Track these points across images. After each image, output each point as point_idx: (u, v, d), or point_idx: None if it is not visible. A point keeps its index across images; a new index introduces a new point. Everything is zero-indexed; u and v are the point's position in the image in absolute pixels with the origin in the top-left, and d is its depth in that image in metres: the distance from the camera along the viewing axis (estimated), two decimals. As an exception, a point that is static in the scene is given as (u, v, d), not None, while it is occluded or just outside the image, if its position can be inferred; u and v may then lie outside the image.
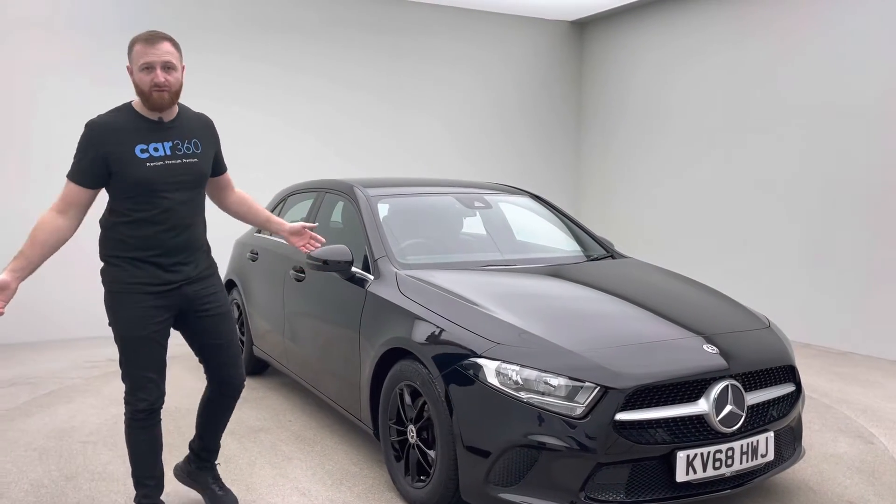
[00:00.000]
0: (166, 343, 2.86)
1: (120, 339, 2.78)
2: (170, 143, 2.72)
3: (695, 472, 2.81)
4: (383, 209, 4.21)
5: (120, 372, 2.84)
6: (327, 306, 4.11)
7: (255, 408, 4.63)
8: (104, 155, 2.63)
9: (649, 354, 2.95)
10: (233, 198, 3.16)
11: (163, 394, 2.86)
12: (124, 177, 2.66)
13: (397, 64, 8.11)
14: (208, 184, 2.99)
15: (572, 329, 3.10)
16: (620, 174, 8.72)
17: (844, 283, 6.35)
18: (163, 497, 2.97)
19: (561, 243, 4.55)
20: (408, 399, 3.25)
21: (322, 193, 4.69)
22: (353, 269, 3.81)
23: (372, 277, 3.72)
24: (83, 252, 6.61)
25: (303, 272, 4.32)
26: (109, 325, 2.80)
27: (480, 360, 2.90)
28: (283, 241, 4.79)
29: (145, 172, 2.66)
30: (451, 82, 8.44)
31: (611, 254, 4.43)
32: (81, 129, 2.68)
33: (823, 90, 6.48)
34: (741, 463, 2.91)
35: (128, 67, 2.70)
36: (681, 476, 2.78)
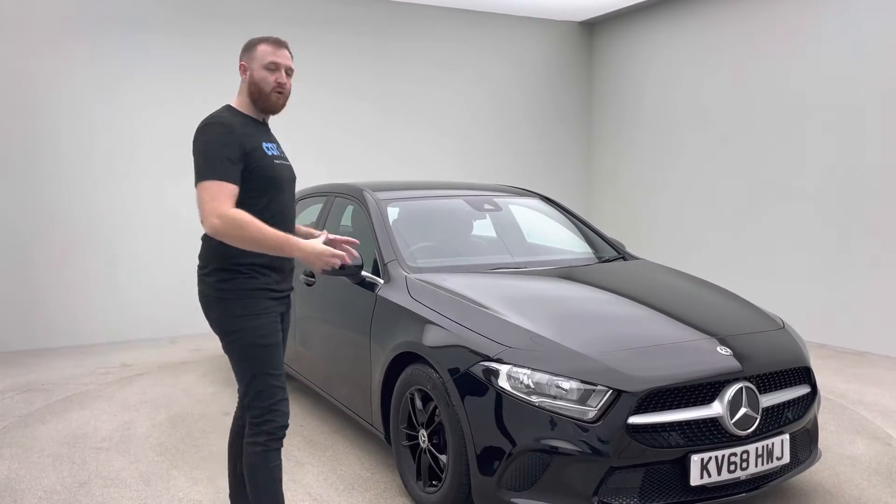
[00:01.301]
0: None
1: (250, 349, 2.56)
2: (275, 144, 2.71)
3: (709, 475, 2.77)
4: (393, 213, 4.20)
5: (241, 388, 2.61)
6: (337, 311, 4.11)
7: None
8: (244, 152, 2.51)
9: (662, 357, 2.92)
10: None
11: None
12: (259, 173, 2.56)
13: (405, 67, 8.11)
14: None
15: (584, 332, 3.08)
16: (632, 175, 8.68)
17: (861, 283, 6.28)
18: None
19: (572, 245, 4.52)
20: (419, 403, 3.23)
21: (332, 197, 4.69)
22: (363, 273, 3.80)
23: (382, 281, 3.71)
24: (98, 258, 6.70)
25: (313, 277, 4.32)
26: (232, 340, 2.57)
27: (491, 364, 2.88)
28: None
29: (275, 169, 2.62)
30: (459, 85, 8.43)
31: (622, 255, 4.40)
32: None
33: (836, 89, 6.42)
34: (756, 466, 2.87)
35: (242, 65, 2.65)
36: (695, 480, 2.75)
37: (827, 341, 6.50)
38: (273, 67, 2.62)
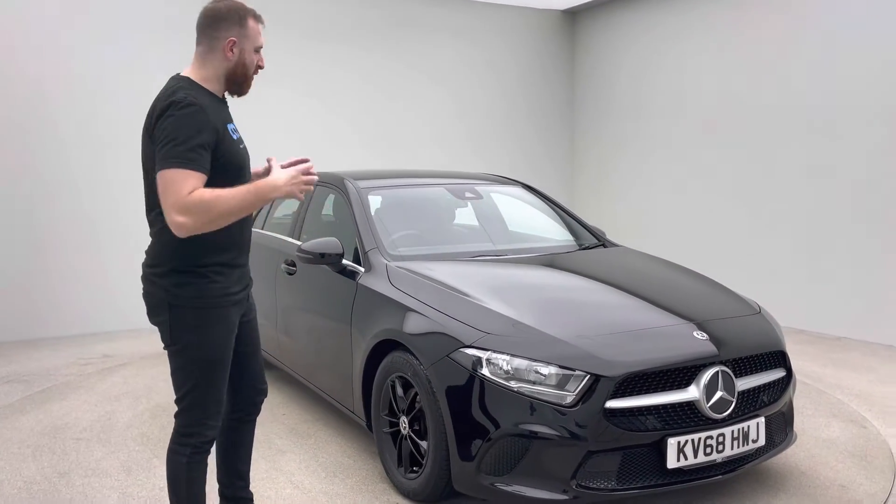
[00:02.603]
0: None
1: (202, 363, 2.35)
2: (235, 126, 2.43)
3: (686, 458, 2.81)
4: (374, 201, 4.21)
5: (176, 393, 2.42)
6: (319, 299, 4.11)
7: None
8: (216, 139, 2.26)
9: (639, 342, 2.95)
10: None
11: None
12: (226, 160, 2.31)
13: (385, 56, 8.06)
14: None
15: (563, 318, 3.10)
16: (614, 163, 8.71)
17: (839, 269, 6.35)
18: None
19: (553, 233, 4.55)
20: (400, 390, 3.25)
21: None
22: (344, 261, 3.81)
23: (363, 270, 3.71)
24: (76, 250, 6.64)
25: (294, 266, 4.31)
26: (179, 349, 2.35)
27: (471, 351, 2.90)
28: (274, 234, 4.80)
29: (240, 154, 2.40)
30: (440, 74, 8.40)
31: (602, 243, 4.43)
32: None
33: (817, 77, 6.47)
34: (732, 448, 2.92)
35: (231, 40, 2.33)
36: (672, 463, 2.79)
37: (805, 327, 6.58)
38: (260, 49, 2.42)
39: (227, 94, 2.45)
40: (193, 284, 2.31)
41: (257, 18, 2.41)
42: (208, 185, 2.22)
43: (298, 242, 4.29)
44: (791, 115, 6.69)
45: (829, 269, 6.43)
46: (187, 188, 2.14)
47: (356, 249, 3.86)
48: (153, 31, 6.78)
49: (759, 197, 7.01)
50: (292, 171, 2.33)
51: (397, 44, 8.12)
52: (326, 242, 3.75)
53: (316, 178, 2.39)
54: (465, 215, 4.59)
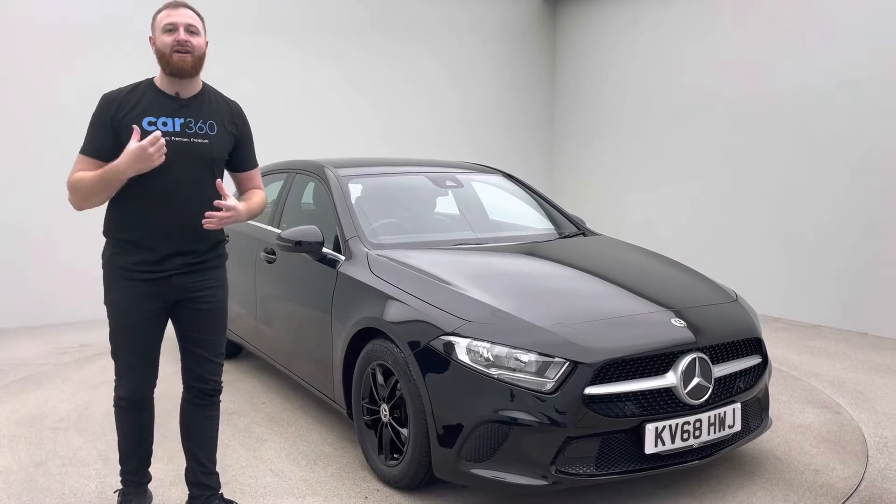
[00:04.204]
0: (159, 332, 2.74)
1: (112, 325, 2.71)
2: (181, 120, 2.60)
3: (663, 443, 2.85)
4: (354, 189, 4.19)
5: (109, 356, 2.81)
6: (299, 288, 4.09)
7: (228, 391, 4.58)
8: (115, 125, 2.55)
9: (618, 329, 2.98)
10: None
11: (148, 383, 2.78)
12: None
13: (364, 43, 8.01)
14: (235, 180, 2.89)
15: (543, 306, 3.12)
16: (594, 153, 8.74)
17: (815, 258, 6.44)
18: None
19: (533, 221, 4.56)
20: (380, 378, 3.25)
21: (293, 174, 4.66)
22: (324, 249, 3.79)
23: (343, 258, 3.70)
24: (50, 239, 6.55)
25: (273, 254, 4.29)
26: (104, 303, 2.72)
27: (451, 338, 2.91)
28: (253, 223, 4.77)
29: None
30: (420, 63, 8.37)
31: (582, 231, 4.45)
32: None
33: (794, 69, 6.53)
34: (709, 434, 2.96)
35: (150, 38, 2.64)
36: (650, 448, 2.83)
37: (781, 315, 6.67)
38: (171, 28, 2.57)
39: (180, 84, 2.62)
40: (107, 252, 2.69)
41: (171, 5, 2.63)
42: None
43: (278, 230, 4.27)
44: (767, 106, 6.75)
45: (804, 258, 6.51)
46: (74, 170, 2.57)
47: (336, 237, 3.84)
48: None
49: (736, 186, 7.08)
50: (136, 148, 2.45)
51: (375, 31, 8.07)
52: (306, 231, 3.73)
53: (162, 141, 2.47)
54: (446, 204, 4.59)
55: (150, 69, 2.73)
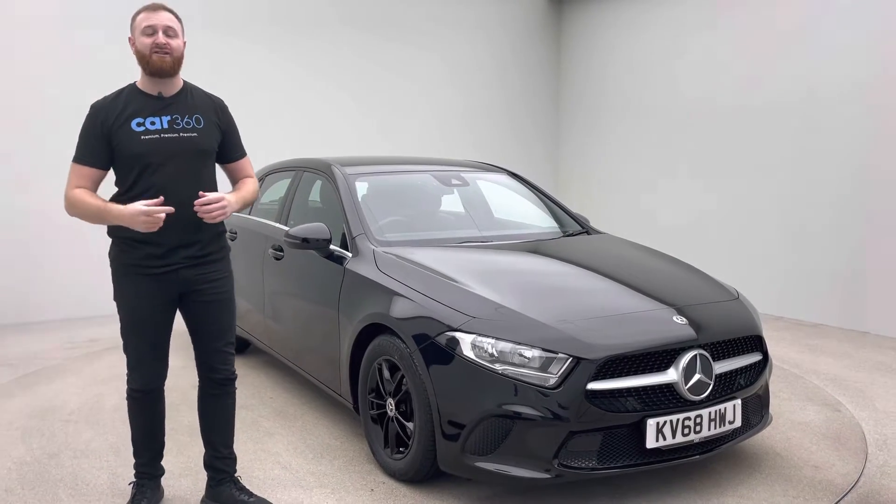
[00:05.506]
0: (168, 325, 2.86)
1: (122, 320, 2.82)
2: (168, 118, 2.72)
3: (664, 438, 2.90)
4: (361, 187, 4.25)
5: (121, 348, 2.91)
6: (306, 284, 4.15)
7: (237, 385, 4.66)
8: (106, 133, 2.67)
9: (621, 326, 3.03)
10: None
11: (159, 375, 2.89)
12: (121, 151, 2.68)
13: (370, 45, 8.06)
14: (225, 173, 3.00)
15: (547, 303, 3.17)
16: (599, 152, 8.78)
17: (818, 257, 6.48)
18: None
19: (537, 220, 4.61)
20: (386, 373, 3.31)
21: (300, 172, 4.71)
22: (332, 246, 3.85)
23: (350, 255, 3.76)
24: (62, 234, 6.62)
25: (281, 251, 4.35)
26: (114, 300, 2.83)
27: (457, 334, 2.96)
28: (261, 220, 4.84)
29: (139, 145, 2.67)
30: (426, 62, 8.42)
31: (586, 230, 4.50)
32: None
33: (804, 67, 6.56)
34: (709, 429, 3.00)
35: (129, 39, 2.74)
36: (651, 443, 2.87)
37: (784, 314, 6.70)
38: (150, 31, 2.68)
39: (162, 84, 2.73)
40: (114, 251, 2.80)
41: (149, 8, 2.72)
42: (115, 169, 2.73)
43: (286, 228, 4.33)
44: (770, 105, 6.78)
45: (807, 257, 6.55)
46: (72, 182, 2.70)
47: (343, 235, 3.90)
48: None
49: (739, 185, 7.11)
50: (139, 209, 2.57)
51: (380, 32, 8.12)
52: (314, 228, 3.80)
53: (160, 219, 2.58)
54: (452, 202, 4.64)
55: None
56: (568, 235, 4.36)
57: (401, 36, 8.24)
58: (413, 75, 8.35)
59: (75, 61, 6.58)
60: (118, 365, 5.14)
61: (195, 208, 2.67)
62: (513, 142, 8.99)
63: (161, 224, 2.59)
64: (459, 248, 3.86)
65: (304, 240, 3.78)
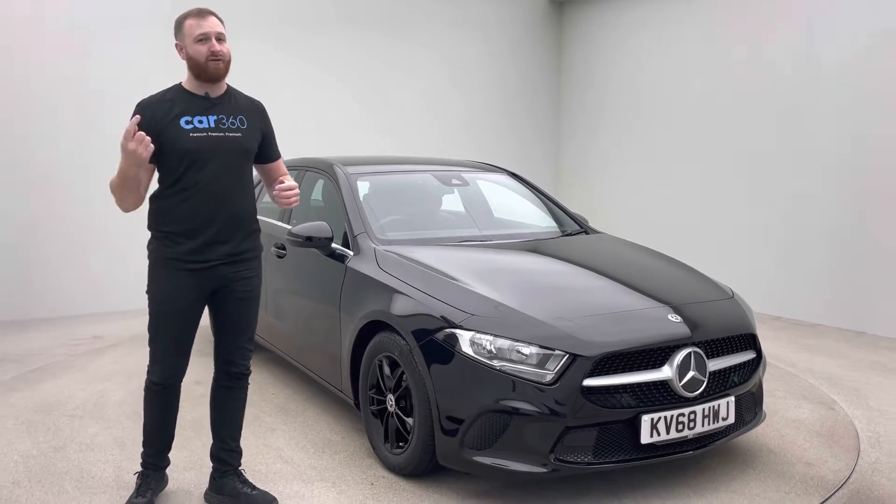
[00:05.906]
0: (196, 321, 2.92)
1: (152, 314, 2.88)
2: (214, 117, 2.81)
3: (659, 434, 2.96)
4: (363, 187, 4.31)
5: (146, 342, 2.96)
6: (308, 282, 4.21)
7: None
8: (154, 129, 2.70)
9: (617, 323, 3.09)
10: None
11: (180, 370, 2.95)
12: (169, 147, 2.74)
13: (371, 45, 8.11)
14: (262, 173, 3.08)
15: (545, 301, 3.23)
16: (600, 154, 8.83)
17: (814, 257, 6.53)
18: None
19: (537, 220, 4.67)
20: (387, 370, 3.37)
21: (302, 171, 4.77)
22: (333, 245, 3.91)
23: (352, 253, 3.82)
24: (70, 231, 6.68)
25: (284, 249, 4.41)
26: (146, 293, 2.89)
27: (456, 331, 3.02)
28: (264, 218, 4.89)
29: (188, 142, 2.74)
30: (426, 62, 8.46)
31: (584, 229, 4.56)
32: None
33: (804, 69, 6.62)
34: (703, 426, 3.06)
35: (177, 45, 2.81)
36: (645, 438, 2.93)
37: (781, 314, 6.76)
38: (203, 38, 2.74)
39: (209, 86, 2.82)
40: (153, 244, 2.85)
41: (197, 15, 2.78)
42: (161, 164, 2.77)
43: (288, 226, 4.39)
44: (771, 106, 6.83)
45: (804, 257, 6.60)
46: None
47: (345, 233, 3.96)
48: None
49: (737, 186, 7.17)
50: (121, 141, 2.59)
51: (381, 32, 8.17)
52: (316, 226, 3.86)
53: (141, 135, 2.56)
54: (452, 201, 4.70)
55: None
56: (567, 235, 4.42)
57: (402, 36, 8.29)
58: (414, 76, 8.40)
59: (75, 62, 6.64)
60: (122, 361, 5.21)
61: (274, 192, 2.91)
62: (513, 142, 9.05)
63: (146, 142, 2.56)
64: (459, 247, 3.92)
65: (307, 238, 3.84)
